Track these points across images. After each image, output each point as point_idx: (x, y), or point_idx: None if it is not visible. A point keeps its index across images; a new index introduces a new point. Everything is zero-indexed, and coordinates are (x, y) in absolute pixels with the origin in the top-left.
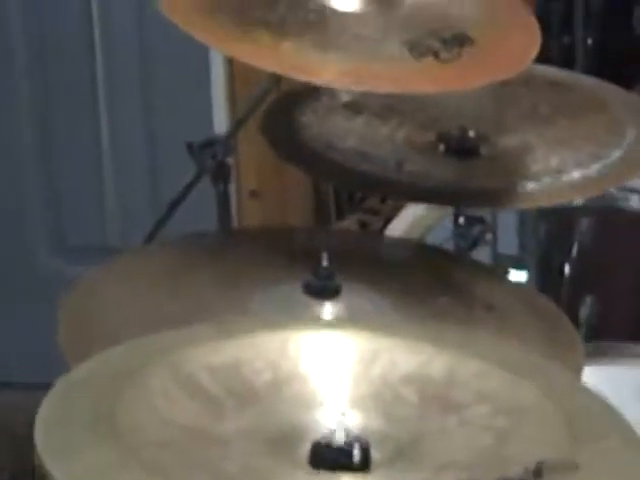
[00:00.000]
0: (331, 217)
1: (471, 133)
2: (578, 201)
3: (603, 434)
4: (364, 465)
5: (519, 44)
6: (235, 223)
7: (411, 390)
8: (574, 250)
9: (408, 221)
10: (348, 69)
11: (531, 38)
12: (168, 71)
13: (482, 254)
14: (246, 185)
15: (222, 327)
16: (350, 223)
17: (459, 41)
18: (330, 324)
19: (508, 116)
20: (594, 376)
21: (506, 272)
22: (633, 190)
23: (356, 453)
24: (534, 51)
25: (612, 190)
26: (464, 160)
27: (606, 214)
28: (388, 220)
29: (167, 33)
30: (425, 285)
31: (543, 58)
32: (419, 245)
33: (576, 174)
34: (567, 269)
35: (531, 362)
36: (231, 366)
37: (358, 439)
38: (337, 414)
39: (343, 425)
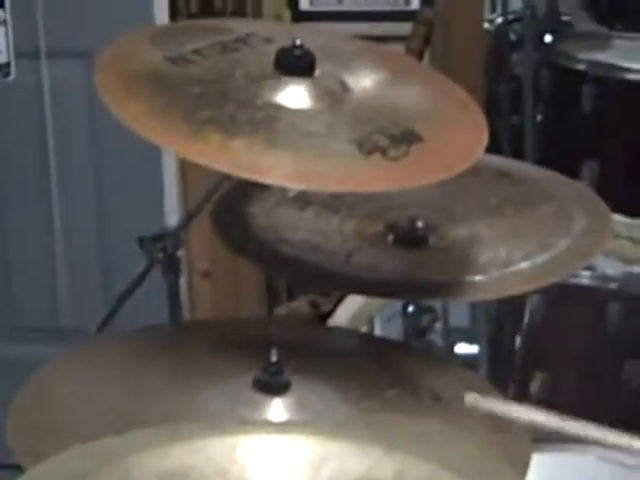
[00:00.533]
0: (282, 298)
1: (420, 223)
2: None
3: None
4: None
5: (466, 141)
6: (187, 303)
7: None
8: (524, 325)
9: (353, 308)
10: (297, 168)
11: (478, 134)
12: (120, 161)
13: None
14: (198, 265)
15: (172, 431)
16: (301, 304)
17: (407, 138)
18: (279, 428)
19: (457, 206)
20: (543, 464)
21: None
22: (584, 267)
23: None
24: (481, 147)
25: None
26: (413, 251)
27: (557, 290)
28: (339, 300)
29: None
30: (374, 376)
31: (492, 139)
32: (367, 335)
33: (524, 265)
34: (518, 344)
35: (479, 464)
36: (180, 472)
37: None
38: None
39: None
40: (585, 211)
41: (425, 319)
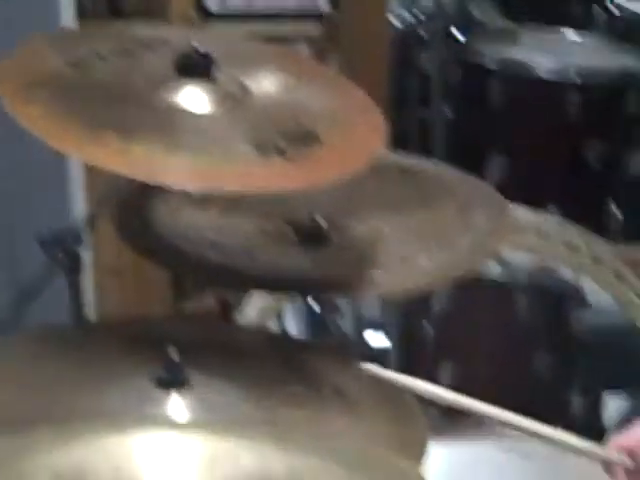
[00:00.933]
0: (190, 294)
1: (322, 221)
2: None
3: None
4: None
5: (365, 141)
6: (95, 301)
7: None
8: (434, 316)
9: (261, 303)
10: (196, 171)
11: (376, 136)
12: (26, 159)
13: (345, 321)
14: (106, 264)
15: (67, 429)
16: (208, 299)
17: (306, 140)
18: (175, 425)
19: (359, 204)
20: (441, 453)
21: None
22: (494, 258)
23: None
24: (380, 148)
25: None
26: (315, 248)
27: (466, 281)
28: (247, 296)
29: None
30: (276, 373)
31: (401, 133)
32: (269, 332)
33: (425, 261)
34: (427, 334)
35: (371, 458)
36: (76, 470)
37: None
38: None
39: None
40: (485, 207)
41: (328, 315)
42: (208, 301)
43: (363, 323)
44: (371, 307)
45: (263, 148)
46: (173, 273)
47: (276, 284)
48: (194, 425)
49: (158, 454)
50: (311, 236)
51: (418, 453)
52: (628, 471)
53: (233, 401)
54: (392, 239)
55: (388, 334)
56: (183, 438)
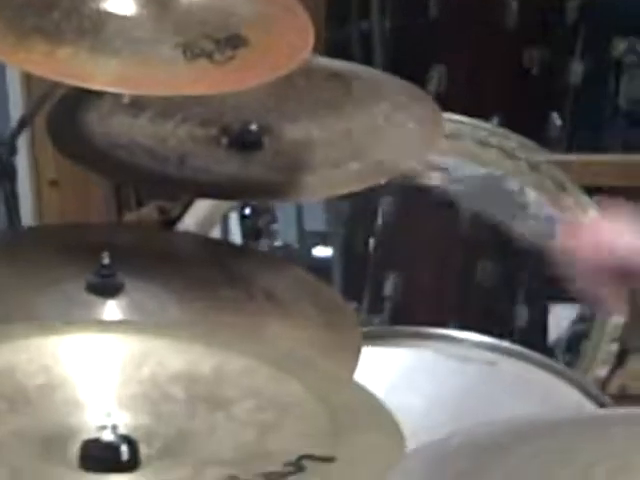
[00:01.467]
0: (131, 205)
1: (253, 126)
2: None
3: (364, 427)
4: (133, 463)
5: (292, 43)
6: (35, 213)
7: (179, 388)
8: (377, 228)
9: (202, 211)
10: (123, 74)
11: (304, 37)
12: None
13: (289, 233)
14: (45, 174)
15: None
16: (149, 210)
17: (232, 42)
18: (102, 327)
19: (290, 109)
20: (381, 357)
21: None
22: (435, 168)
23: (124, 451)
24: (307, 49)
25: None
26: (247, 153)
27: (409, 192)
28: (187, 206)
29: None
30: (208, 278)
31: (341, 45)
32: (203, 238)
33: (355, 165)
34: (371, 245)
35: (298, 358)
36: (5, 370)
37: (126, 437)
38: (105, 414)
39: (111, 425)
40: (416, 111)
41: (261, 220)
42: (149, 212)
43: (306, 233)
44: (315, 218)
45: (190, 51)
46: (112, 184)
47: (207, 189)
48: (122, 327)
49: (86, 354)
50: (243, 141)
51: (351, 358)
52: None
53: (166, 305)
54: (323, 142)
55: (331, 245)
56: (111, 339)
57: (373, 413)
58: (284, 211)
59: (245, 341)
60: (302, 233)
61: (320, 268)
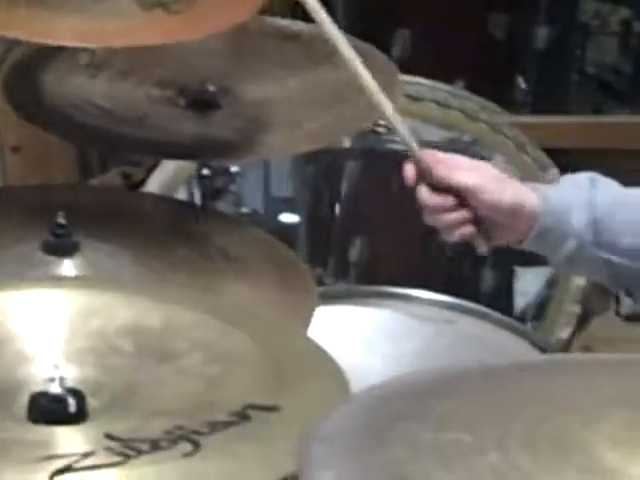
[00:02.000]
0: (94, 170)
1: (211, 87)
2: (345, 143)
3: (310, 378)
4: (80, 415)
5: None
6: None
7: (127, 341)
8: (343, 192)
9: (165, 175)
10: (80, 28)
11: None
12: None
13: (255, 199)
14: (8, 140)
15: None
16: (113, 175)
17: None
18: (52, 283)
19: (247, 69)
20: (337, 317)
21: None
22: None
23: (71, 403)
24: (260, 2)
25: (379, 131)
26: (205, 113)
27: (373, 156)
28: (150, 170)
29: None
30: (166, 238)
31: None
32: (162, 199)
33: (313, 124)
34: (337, 211)
35: (246, 312)
36: None
37: (74, 390)
38: (53, 367)
39: (59, 377)
40: (374, 72)
41: (220, 181)
42: (112, 177)
43: (272, 199)
44: (281, 184)
45: (145, 2)
46: (75, 150)
47: (166, 149)
48: (71, 283)
49: (36, 310)
50: (201, 102)
51: (305, 316)
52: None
53: (122, 263)
54: (281, 103)
55: (297, 210)
56: (60, 295)
57: (319, 364)
58: (250, 177)
59: (193, 295)
60: (268, 199)
61: (286, 234)
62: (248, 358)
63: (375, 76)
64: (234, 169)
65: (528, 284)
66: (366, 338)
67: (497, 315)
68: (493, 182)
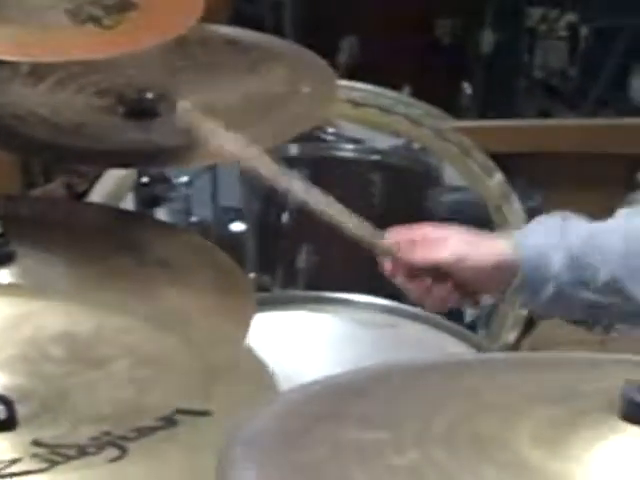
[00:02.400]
0: (38, 181)
1: (149, 95)
2: (293, 151)
3: (241, 382)
4: (9, 422)
5: (182, 7)
6: None
7: (59, 348)
8: (290, 200)
9: (109, 185)
10: (13, 40)
11: (193, 2)
12: None
13: (204, 209)
14: None
15: None
16: (56, 186)
17: (120, 7)
18: None
19: (187, 75)
20: (277, 322)
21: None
22: (348, 139)
23: (0, 410)
24: (197, 13)
25: (328, 139)
26: (143, 121)
27: (320, 163)
28: (93, 182)
29: None
30: (104, 246)
31: (253, 17)
32: (100, 207)
33: (252, 130)
34: (284, 219)
35: (177, 317)
36: None
37: (3, 397)
38: None
39: None
40: (312, 77)
41: (158, 188)
42: (55, 187)
43: (221, 209)
44: (230, 194)
45: (78, 16)
46: (18, 161)
47: (103, 157)
48: (2, 290)
49: None
50: (139, 109)
51: (243, 321)
52: (403, 265)
53: (58, 273)
54: (219, 109)
55: (246, 219)
56: None
57: (251, 369)
58: (199, 187)
59: (124, 301)
60: (217, 209)
61: (235, 243)
62: (178, 363)
63: (313, 80)
64: (183, 179)
65: None
66: (306, 344)
67: (439, 319)
68: (469, 247)
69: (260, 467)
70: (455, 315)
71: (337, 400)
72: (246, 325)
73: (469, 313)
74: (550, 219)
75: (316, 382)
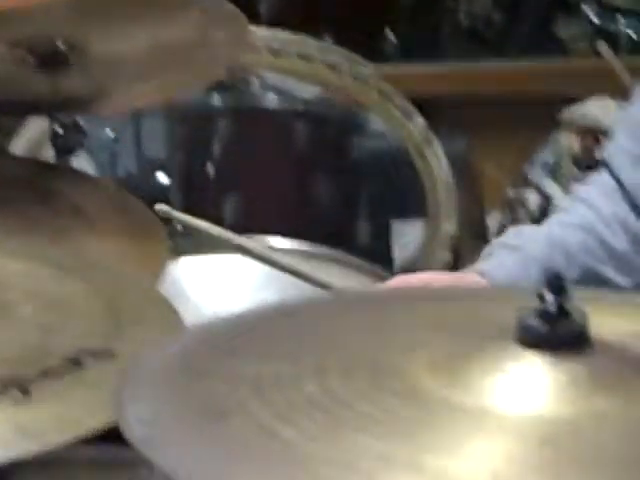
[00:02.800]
0: None
1: (60, 45)
2: (218, 101)
3: (146, 323)
4: None
5: None
6: None
7: None
8: (215, 151)
9: (29, 135)
10: None
11: None
12: None
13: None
14: None
15: None
16: None
17: None
18: None
19: (97, 25)
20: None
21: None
22: (272, 88)
23: None
24: None
25: (251, 89)
26: (55, 71)
27: (246, 113)
28: (11, 133)
29: None
30: (18, 196)
31: None
32: (15, 157)
33: (162, 77)
34: (210, 170)
35: (84, 261)
36: None
37: None
38: None
39: None
40: (224, 24)
41: (73, 138)
42: None
43: (146, 161)
44: (155, 145)
45: None
46: None
47: (15, 107)
48: None
49: None
50: (50, 60)
51: (155, 266)
52: None
53: None
54: (130, 57)
55: (171, 170)
56: None
57: (158, 311)
58: (124, 140)
59: (29, 245)
60: (142, 161)
61: (160, 194)
62: (85, 307)
63: (225, 29)
64: (107, 131)
65: (407, 237)
66: (229, 286)
67: (361, 262)
68: (455, 279)
69: (156, 402)
70: (384, 259)
71: (238, 336)
72: (158, 271)
73: (398, 258)
74: (507, 239)
75: (219, 319)
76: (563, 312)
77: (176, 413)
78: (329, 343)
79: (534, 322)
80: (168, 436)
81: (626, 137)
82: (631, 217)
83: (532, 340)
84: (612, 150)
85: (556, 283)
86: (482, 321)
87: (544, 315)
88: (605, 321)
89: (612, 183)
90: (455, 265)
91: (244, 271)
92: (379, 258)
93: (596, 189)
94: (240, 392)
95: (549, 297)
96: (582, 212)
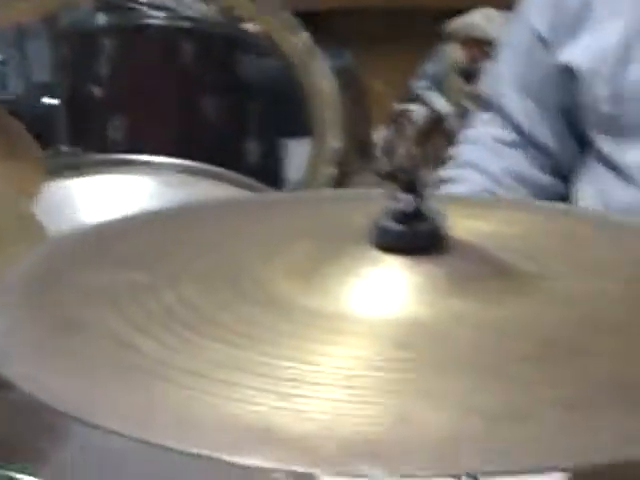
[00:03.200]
0: None
1: None
2: (102, 20)
3: (18, 243)
4: None
5: None
6: None
7: None
8: (101, 71)
9: None
10: None
11: None
12: None
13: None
14: None
15: None
16: None
17: None
18: None
19: None
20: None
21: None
22: (158, 7)
23: None
24: None
25: (137, 7)
26: None
27: (130, 32)
28: None
29: None
30: None
31: None
32: None
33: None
34: (95, 90)
35: None
36: None
37: None
38: None
39: None
40: None
41: None
42: None
43: (33, 84)
44: (41, 68)
45: None
46: None
47: None
48: None
49: None
50: None
51: (29, 186)
52: None
53: None
54: None
55: (57, 93)
56: None
57: (29, 231)
58: (10, 63)
59: None
60: (29, 84)
61: (47, 117)
62: None
63: None
64: None
65: (297, 156)
66: (114, 205)
67: (244, 179)
68: None
69: (9, 314)
70: (273, 179)
71: (96, 245)
72: (32, 191)
73: (291, 179)
74: None
75: (80, 230)
76: (419, 213)
77: (30, 325)
78: (188, 251)
79: (389, 224)
80: (21, 349)
81: (510, 65)
82: (526, 167)
83: (388, 243)
84: (496, 84)
85: (411, 184)
86: (339, 226)
87: (399, 216)
88: (463, 223)
89: (499, 132)
90: (341, 180)
91: (128, 191)
92: (268, 177)
93: (481, 146)
94: (94, 302)
95: (404, 198)
96: (470, 178)
